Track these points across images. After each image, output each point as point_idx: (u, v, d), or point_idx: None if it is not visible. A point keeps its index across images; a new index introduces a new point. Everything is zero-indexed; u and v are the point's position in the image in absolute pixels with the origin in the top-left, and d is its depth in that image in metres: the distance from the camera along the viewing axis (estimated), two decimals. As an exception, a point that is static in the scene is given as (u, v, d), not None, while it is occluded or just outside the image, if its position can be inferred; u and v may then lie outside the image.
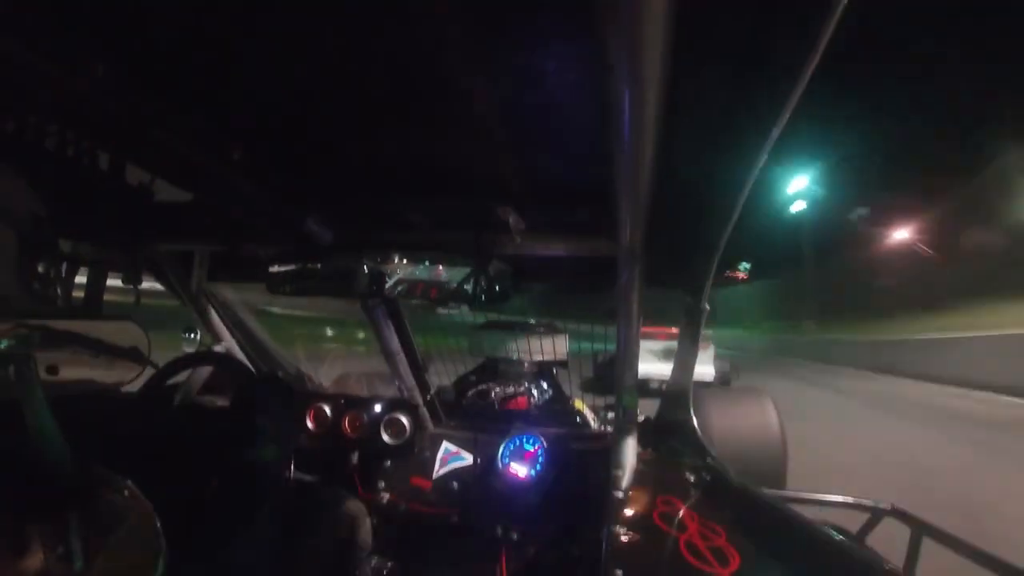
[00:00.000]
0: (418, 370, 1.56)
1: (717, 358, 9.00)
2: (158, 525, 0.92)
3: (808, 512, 1.02)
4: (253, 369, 1.73)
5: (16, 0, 0.58)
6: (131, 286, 1.47)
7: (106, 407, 1.46)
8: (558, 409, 1.65)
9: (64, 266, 1.36)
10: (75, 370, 1.38)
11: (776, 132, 0.72)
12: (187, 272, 1.58)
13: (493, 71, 0.67)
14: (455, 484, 1.49)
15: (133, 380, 1.59)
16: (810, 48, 0.53)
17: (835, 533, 0.95)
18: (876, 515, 1.24)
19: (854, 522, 1.25)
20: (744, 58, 0.63)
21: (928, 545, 1.07)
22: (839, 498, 1.37)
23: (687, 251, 1.30)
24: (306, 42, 0.64)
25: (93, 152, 0.98)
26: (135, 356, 1.54)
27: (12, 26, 0.59)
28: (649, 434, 1.57)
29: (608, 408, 1.57)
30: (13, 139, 0.89)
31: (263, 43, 0.65)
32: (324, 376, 1.92)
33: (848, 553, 0.85)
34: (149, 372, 1.58)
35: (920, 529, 1.03)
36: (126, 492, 0.92)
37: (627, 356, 1.37)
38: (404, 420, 1.54)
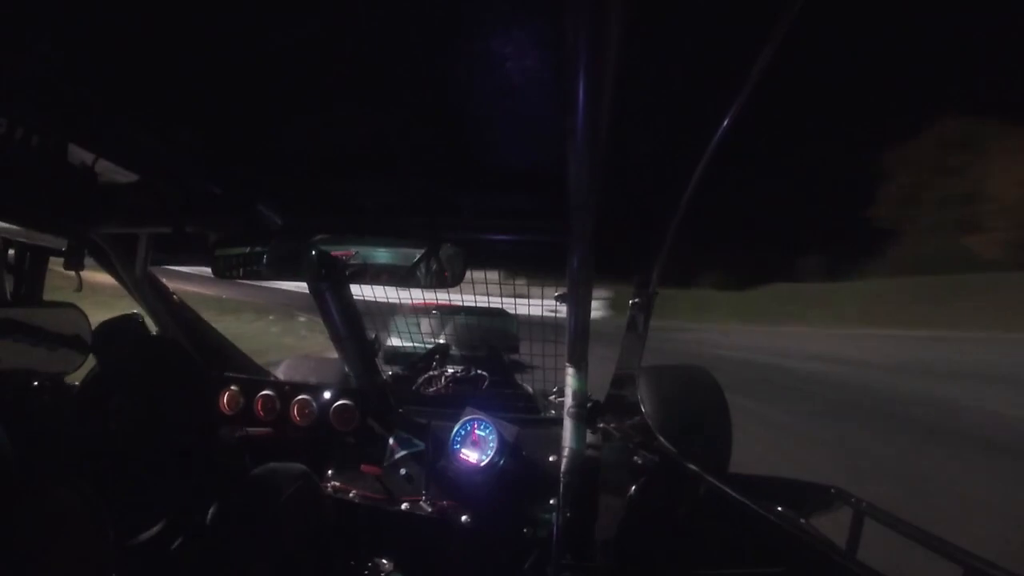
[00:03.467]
0: (368, 355, 1.56)
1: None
2: (106, 522, 0.90)
3: (752, 492, 1.05)
4: (196, 358, 1.69)
5: None
6: (73, 271, 1.43)
7: (47, 399, 1.41)
8: (509, 393, 1.67)
9: (3, 251, 1.31)
10: (15, 360, 1.33)
11: (726, 124, 0.76)
12: (131, 256, 1.54)
13: (448, 56, 0.69)
14: (406, 470, 1.50)
15: (75, 369, 1.54)
16: (765, 43, 0.56)
17: (779, 514, 0.98)
18: (818, 495, 1.27)
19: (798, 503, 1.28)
20: (699, 51, 0.66)
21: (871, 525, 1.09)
22: (782, 478, 1.42)
23: (637, 238, 1.34)
24: (255, 24, 0.65)
25: (34, 133, 0.95)
26: (77, 344, 1.49)
27: None
28: (598, 417, 1.61)
29: (558, 392, 1.60)
30: None
31: (211, 25, 0.65)
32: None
33: (791, 533, 0.88)
34: (92, 361, 1.54)
35: (861, 509, 1.06)
36: (72, 490, 0.89)
37: (577, 340, 1.40)
38: (353, 407, 1.53)
